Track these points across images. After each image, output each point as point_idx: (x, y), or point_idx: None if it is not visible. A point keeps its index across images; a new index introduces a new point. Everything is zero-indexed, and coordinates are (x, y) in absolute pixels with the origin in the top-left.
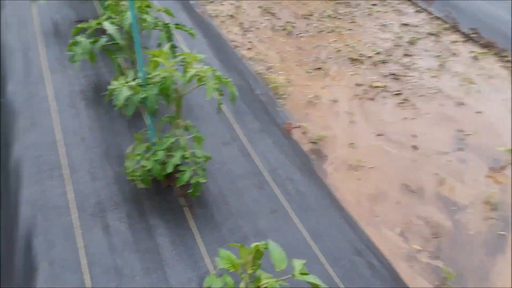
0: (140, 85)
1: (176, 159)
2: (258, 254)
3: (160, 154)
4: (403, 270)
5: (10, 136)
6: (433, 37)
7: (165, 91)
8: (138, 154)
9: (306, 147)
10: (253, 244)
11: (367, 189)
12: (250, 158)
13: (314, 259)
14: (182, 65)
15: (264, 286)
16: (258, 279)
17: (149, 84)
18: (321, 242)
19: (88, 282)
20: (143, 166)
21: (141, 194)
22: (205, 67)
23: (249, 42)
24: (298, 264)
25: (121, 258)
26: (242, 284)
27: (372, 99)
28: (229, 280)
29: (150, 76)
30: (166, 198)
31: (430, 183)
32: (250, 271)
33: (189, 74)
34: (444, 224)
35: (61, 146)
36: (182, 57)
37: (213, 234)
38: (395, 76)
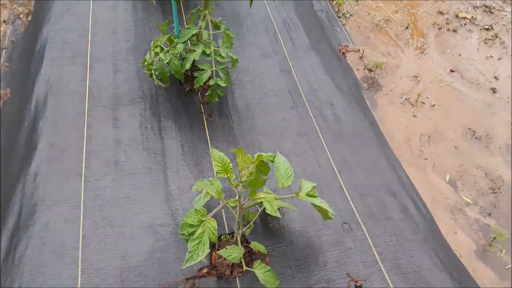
0: None
1: (196, 54)
2: (263, 166)
3: (180, 47)
4: (443, 221)
5: (44, 20)
6: None
7: None
8: (158, 46)
9: (359, 73)
10: (257, 154)
11: (421, 128)
12: (289, 74)
13: (338, 192)
14: None
15: (260, 201)
16: (253, 192)
17: None
18: (350, 175)
19: (83, 170)
20: (161, 60)
21: (160, 95)
22: None
23: None
24: (307, 185)
25: (124, 153)
26: (237, 197)
27: (454, 30)
28: (218, 184)
29: None
30: (185, 102)
31: (503, 132)
32: (244, 178)
33: None
34: (509, 179)
35: (91, 35)
36: None
37: (228, 146)
38: (488, 9)
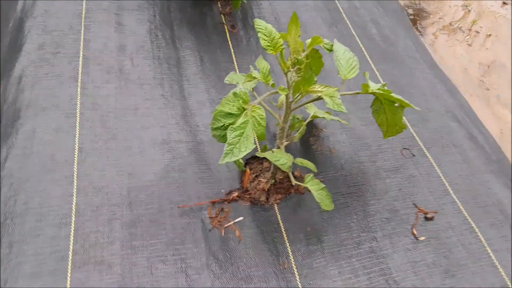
0: None
1: None
2: (315, 60)
3: None
4: None
5: None
6: None
7: None
8: None
9: (402, 1)
10: (312, 37)
11: (479, 57)
12: None
13: None
14: None
15: (317, 94)
16: (308, 81)
17: None
18: (407, 98)
19: (79, 75)
20: None
21: (172, 2)
22: None
23: None
24: (373, 84)
25: (131, 61)
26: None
27: None
28: (264, 65)
29: None
30: (203, 12)
31: None
32: (295, 54)
33: None
34: None
35: None
36: None
37: (255, 59)
38: None
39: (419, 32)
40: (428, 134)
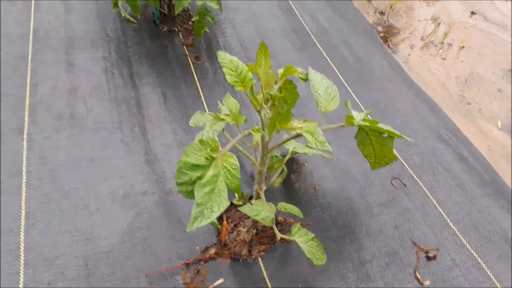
0: None
1: None
2: (289, 92)
3: None
4: (507, 173)
5: None
6: None
7: None
8: None
9: (370, 18)
10: (285, 67)
11: (455, 71)
12: (291, 13)
13: None
14: None
15: (296, 131)
16: (285, 117)
17: None
18: (388, 121)
19: (25, 126)
20: None
21: (129, 37)
22: None
23: None
24: (356, 113)
25: (84, 105)
26: (260, 125)
27: None
28: (233, 103)
29: None
30: (163, 44)
31: None
32: (273, 93)
33: None
34: None
35: None
36: None
37: (225, 92)
38: None
39: (391, 49)
40: (416, 160)
